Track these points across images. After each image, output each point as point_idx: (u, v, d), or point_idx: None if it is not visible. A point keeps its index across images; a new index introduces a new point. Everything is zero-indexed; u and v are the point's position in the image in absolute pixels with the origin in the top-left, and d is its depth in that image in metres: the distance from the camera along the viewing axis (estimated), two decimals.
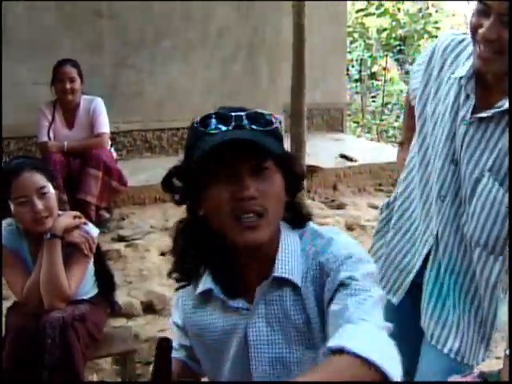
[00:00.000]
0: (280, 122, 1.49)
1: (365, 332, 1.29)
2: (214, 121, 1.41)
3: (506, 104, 1.84)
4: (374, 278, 1.48)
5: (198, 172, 1.43)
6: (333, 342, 1.25)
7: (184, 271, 1.56)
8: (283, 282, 1.49)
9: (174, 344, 1.69)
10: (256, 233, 1.40)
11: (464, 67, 1.96)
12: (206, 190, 1.43)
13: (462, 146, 1.95)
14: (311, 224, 1.59)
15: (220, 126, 1.40)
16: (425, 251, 2.10)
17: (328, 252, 1.48)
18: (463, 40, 2.04)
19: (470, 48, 1.96)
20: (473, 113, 1.92)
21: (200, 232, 1.51)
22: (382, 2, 11.47)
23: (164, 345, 1.45)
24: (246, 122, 1.41)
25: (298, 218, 1.58)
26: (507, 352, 1.68)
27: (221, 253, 1.51)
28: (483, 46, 1.78)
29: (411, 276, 2.16)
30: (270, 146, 1.38)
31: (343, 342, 1.23)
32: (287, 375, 1.50)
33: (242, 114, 1.42)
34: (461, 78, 1.96)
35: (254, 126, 1.41)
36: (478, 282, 2.02)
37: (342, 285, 1.41)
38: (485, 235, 1.94)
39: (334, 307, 1.39)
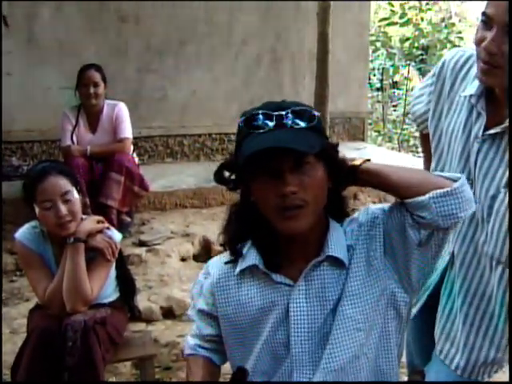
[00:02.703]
0: (319, 117, 1.60)
1: None
2: (260, 117, 1.53)
3: None
4: None
5: (245, 168, 1.55)
6: None
7: (234, 248, 1.71)
8: (325, 261, 1.62)
9: (197, 334, 1.82)
10: (297, 222, 1.53)
11: (473, 85, 1.95)
12: (253, 183, 1.58)
13: (475, 164, 1.93)
14: None
15: (266, 121, 1.52)
16: (442, 267, 2.11)
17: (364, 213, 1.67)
18: (471, 56, 2.02)
19: None
20: (485, 130, 1.91)
21: (250, 215, 1.65)
22: (406, 11, 11.42)
23: (239, 377, 1.63)
24: (289, 118, 1.52)
25: (339, 209, 1.72)
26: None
27: (268, 232, 1.64)
28: (485, 59, 1.77)
29: (428, 292, 2.17)
30: (308, 146, 1.49)
31: None
32: (322, 349, 1.60)
33: (283, 112, 1.52)
34: (471, 96, 1.96)
35: (296, 123, 1.53)
36: (493, 299, 1.99)
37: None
38: (505, 253, 1.91)
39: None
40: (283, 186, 1.49)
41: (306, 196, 1.52)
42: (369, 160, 1.64)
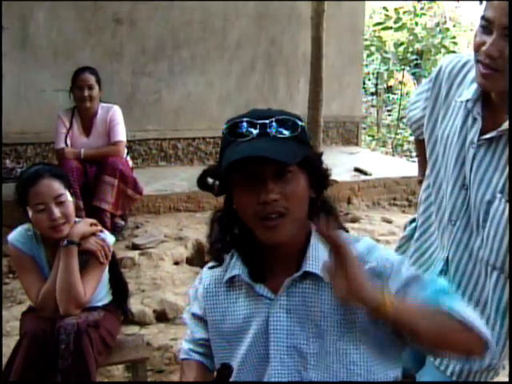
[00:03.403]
0: (303, 127, 1.58)
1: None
2: (244, 125, 1.52)
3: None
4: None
5: (227, 175, 1.54)
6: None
7: (217, 254, 1.69)
8: (307, 277, 1.58)
9: (191, 338, 1.81)
10: (277, 231, 1.51)
11: (469, 90, 1.95)
12: (234, 191, 1.56)
13: (471, 169, 1.93)
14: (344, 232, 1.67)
15: (250, 129, 1.51)
16: (436, 273, 2.10)
17: (376, 257, 1.59)
18: (467, 62, 2.02)
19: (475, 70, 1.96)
20: (480, 135, 1.91)
21: (233, 221, 1.64)
22: (400, 15, 11.46)
23: (225, 372, 1.62)
24: (272, 127, 1.51)
25: (322, 213, 1.65)
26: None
27: (250, 241, 1.62)
28: (485, 63, 1.76)
29: None
30: (289, 156, 1.47)
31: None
32: (303, 365, 1.58)
33: (267, 121, 1.51)
34: (467, 101, 1.96)
35: (280, 132, 1.51)
36: (489, 305, 1.99)
37: (410, 282, 1.57)
38: (501, 258, 1.90)
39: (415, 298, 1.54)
40: (265, 193, 1.48)
41: (287, 204, 1.50)
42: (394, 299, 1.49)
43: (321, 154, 1.64)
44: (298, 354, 1.58)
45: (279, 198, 1.49)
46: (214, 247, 1.69)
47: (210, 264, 1.74)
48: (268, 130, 1.50)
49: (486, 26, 1.74)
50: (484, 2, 1.84)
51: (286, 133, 1.51)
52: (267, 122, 1.51)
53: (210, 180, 1.63)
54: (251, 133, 1.51)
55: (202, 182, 1.64)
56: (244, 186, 1.52)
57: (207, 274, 1.75)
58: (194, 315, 1.79)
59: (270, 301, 1.61)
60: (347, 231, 1.70)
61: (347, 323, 1.56)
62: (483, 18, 1.75)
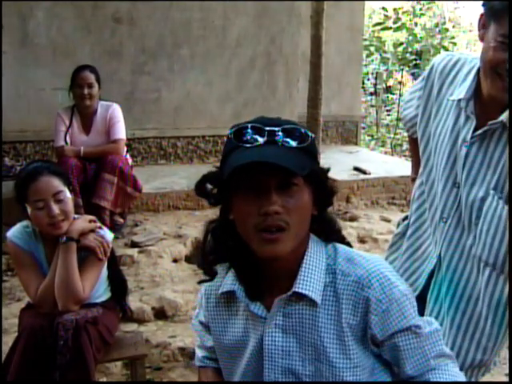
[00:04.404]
0: (313, 138, 1.51)
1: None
2: (250, 131, 1.45)
3: (502, 116, 1.85)
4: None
5: (229, 182, 1.46)
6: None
7: (209, 268, 1.63)
8: (303, 297, 1.52)
9: (203, 345, 1.80)
10: (276, 246, 1.44)
11: (461, 89, 1.97)
12: (235, 199, 1.48)
13: (464, 167, 1.95)
14: (344, 247, 1.62)
15: (256, 136, 1.44)
16: (429, 270, 2.12)
17: (374, 288, 1.50)
18: (458, 60, 2.04)
19: (466, 68, 1.97)
20: (473, 133, 1.93)
21: (228, 234, 1.55)
22: (400, 16, 11.47)
23: None
24: (280, 136, 1.44)
25: (326, 232, 1.61)
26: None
27: (246, 256, 1.54)
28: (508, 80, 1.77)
29: (415, 294, 2.17)
30: (296, 166, 1.40)
31: None
32: None
33: (276, 128, 1.45)
34: (459, 100, 1.97)
35: (287, 142, 1.44)
36: (481, 301, 2.00)
37: (405, 330, 1.53)
38: (493, 254, 1.93)
39: (403, 347, 1.53)
40: (267, 204, 1.41)
41: (289, 219, 1.43)
42: None
43: (328, 170, 1.58)
44: (293, 375, 1.55)
45: (281, 211, 1.42)
46: (206, 259, 1.62)
47: (202, 279, 1.67)
48: (276, 138, 1.44)
49: (504, 42, 1.76)
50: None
51: (294, 143, 1.45)
52: (276, 129, 1.44)
53: (209, 186, 1.55)
54: (257, 140, 1.44)
55: (200, 187, 1.55)
56: (245, 195, 1.44)
57: (208, 283, 1.69)
58: (201, 323, 1.78)
59: (265, 319, 1.56)
60: (350, 245, 1.66)
61: (345, 350, 1.51)
62: (503, 35, 1.76)
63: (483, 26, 1.86)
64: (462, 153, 1.95)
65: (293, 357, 1.54)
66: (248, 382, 1.62)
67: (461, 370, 2.03)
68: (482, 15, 1.86)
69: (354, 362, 1.51)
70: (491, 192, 1.89)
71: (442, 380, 1.54)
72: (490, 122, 1.87)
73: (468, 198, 1.94)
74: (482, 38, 1.87)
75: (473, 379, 2.10)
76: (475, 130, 1.93)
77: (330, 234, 1.62)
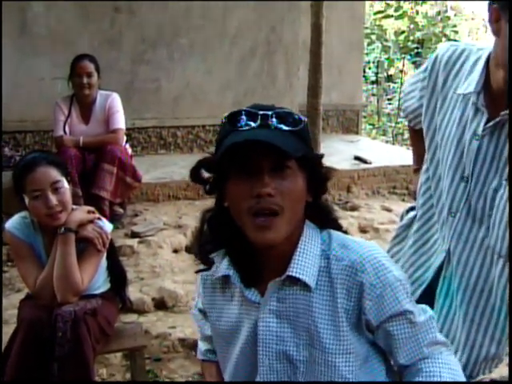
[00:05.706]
0: (306, 123, 1.52)
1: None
2: (244, 117, 1.46)
3: None
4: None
5: (222, 166, 1.48)
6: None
7: (206, 257, 1.62)
8: (297, 282, 1.52)
9: (203, 336, 1.82)
10: (269, 232, 1.44)
11: (468, 82, 1.94)
12: (229, 184, 1.48)
13: (476, 161, 1.92)
14: (339, 233, 1.61)
15: (250, 122, 1.45)
16: (437, 265, 2.10)
17: (367, 273, 1.50)
18: (463, 51, 2.01)
19: (472, 59, 1.94)
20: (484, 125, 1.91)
21: (224, 222, 1.55)
22: (401, 4, 11.42)
23: None
24: (273, 120, 1.45)
25: (321, 219, 1.61)
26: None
27: (241, 242, 1.54)
28: None
29: (421, 289, 2.16)
30: (289, 148, 1.40)
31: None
32: (293, 371, 1.55)
33: (269, 112, 1.46)
34: (469, 93, 1.94)
35: (280, 126, 1.45)
36: (494, 294, 1.99)
37: (399, 315, 1.52)
38: (506, 245, 1.91)
39: (396, 334, 1.53)
40: (260, 186, 1.41)
41: (282, 202, 1.43)
42: None
43: (322, 156, 1.58)
44: (288, 360, 1.55)
45: (274, 194, 1.42)
46: (203, 249, 1.62)
47: (199, 268, 1.67)
48: (269, 122, 1.44)
49: None
50: None
51: (287, 128, 1.45)
52: (269, 113, 1.45)
53: (206, 175, 1.55)
54: (251, 124, 1.45)
55: (195, 173, 1.56)
56: (239, 177, 1.45)
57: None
58: (200, 310, 1.79)
59: (260, 305, 1.56)
60: (347, 233, 1.65)
61: (339, 335, 1.51)
62: None
63: (496, 19, 1.79)
64: (473, 146, 1.92)
65: (287, 342, 1.54)
66: (249, 382, 1.62)
67: (475, 363, 2.04)
68: (494, 9, 1.80)
69: (348, 348, 1.51)
70: (503, 183, 1.88)
71: (433, 370, 1.53)
72: (503, 113, 1.84)
73: (482, 190, 1.92)
74: (496, 33, 1.81)
75: (486, 371, 2.09)
76: (486, 122, 1.90)
77: (326, 221, 1.62)
